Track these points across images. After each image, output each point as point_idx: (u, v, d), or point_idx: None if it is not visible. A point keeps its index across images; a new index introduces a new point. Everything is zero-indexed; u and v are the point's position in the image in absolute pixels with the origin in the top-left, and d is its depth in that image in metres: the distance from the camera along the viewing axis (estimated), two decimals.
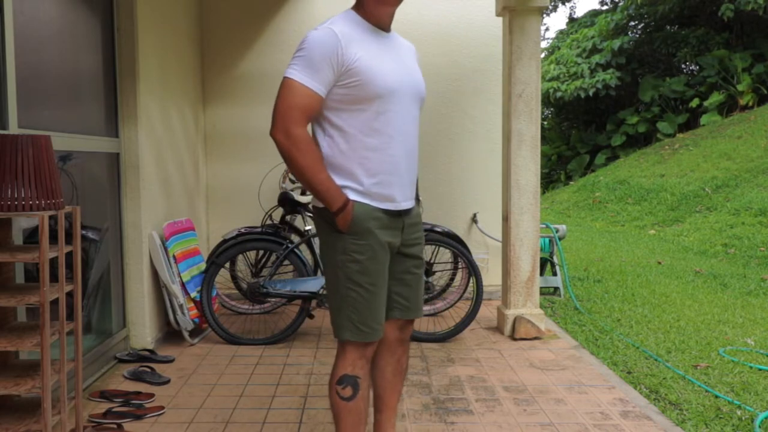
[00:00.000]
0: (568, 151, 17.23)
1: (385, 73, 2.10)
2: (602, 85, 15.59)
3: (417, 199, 2.36)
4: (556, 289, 5.57)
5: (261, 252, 4.57)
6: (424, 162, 5.36)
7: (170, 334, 4.20)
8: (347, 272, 2.12)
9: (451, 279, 4.95)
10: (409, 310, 2.32)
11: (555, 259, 5.59)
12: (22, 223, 2.78)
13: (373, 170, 2.11)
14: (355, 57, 2.06)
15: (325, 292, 4.14)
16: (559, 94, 16.18)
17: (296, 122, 2.03)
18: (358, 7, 2.19)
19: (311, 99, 2.05)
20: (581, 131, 17.28)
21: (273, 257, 4.49)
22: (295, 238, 4.38)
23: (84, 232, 3.42)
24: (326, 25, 2.10)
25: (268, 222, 4.52)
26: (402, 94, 2.14)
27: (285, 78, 2.06)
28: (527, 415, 2.99)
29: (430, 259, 4.74)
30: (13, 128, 2.66)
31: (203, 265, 4.47)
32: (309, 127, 2.11)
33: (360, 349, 2.18)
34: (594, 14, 19.23)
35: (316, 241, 4.37)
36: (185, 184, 4.74)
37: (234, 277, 4.76)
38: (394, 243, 2.21)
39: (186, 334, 4.09)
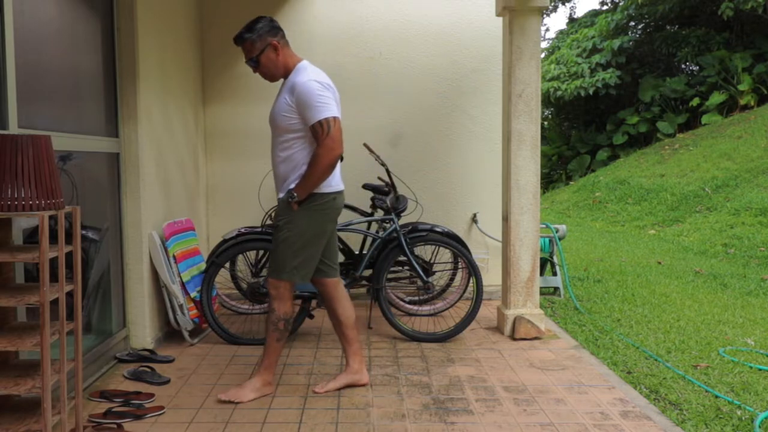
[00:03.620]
0: (568, 151, 17.23)
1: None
2: (602, 84, 15.59)
3: (284, 194, 3.15)
4: (556, 289, 5.57)
5: (261, 252, 4.57)
6: (424, 162, 5.36)
7: (170, 334, 4.20)
8: None
9: (451, 279, 4.95)
10: None
11: (555, 259, 5.59)
12: (22, 223, 2.78)
13: None
14: None
15: None
16: (559, 93, 16.18)
17: None
18: None
19: None
20: (581, 131, 17.28)
21: None
22: None
23: (84, 232, 3.42)
24: None
25: (268, 222, 4.51)
26: (269, 125, 3.23)
27: None
28: (527, 415, 2.99)
29: (430, 259, 4.74)
30: (13, 128, 2.66)
31: (203, 265, 4.46)
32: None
33: None
34: (594, 14, 19.23)
35: None
36: (185, 183, 4.74)
37: (234, 277, 4.76)
38: None
39: (186, 334, 4.09)
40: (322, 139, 3.02)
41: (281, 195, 3.17)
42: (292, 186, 3.12)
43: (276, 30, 3.18)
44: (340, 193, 3.25)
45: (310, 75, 3.08)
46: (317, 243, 3.20)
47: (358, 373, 3.35)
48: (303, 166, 3.11)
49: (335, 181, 3.20)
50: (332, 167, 3.07)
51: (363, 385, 3.35)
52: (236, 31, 5.23)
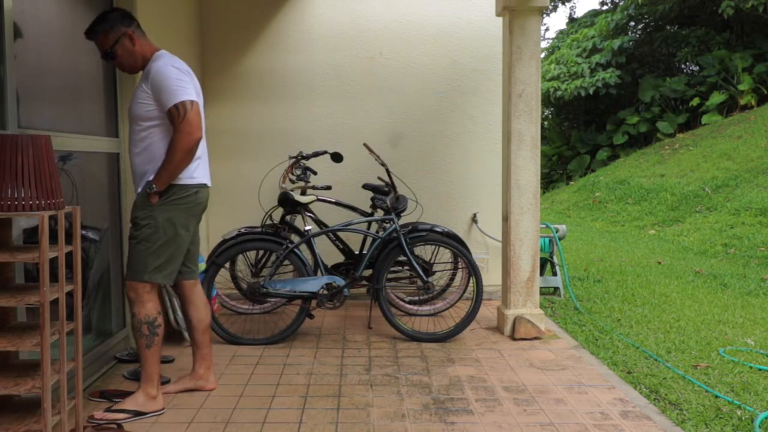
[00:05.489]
0: (568, 151, 17.24)
1: None
2: (602, 84, 15.59)
3: (142, 187, 2.98)
4: (556, 289, 5.57)
5: (261, 252, 4.57)
6: (423, 162, 5.36)
7: (170, 334, 4.19)
8: None
9: (451, 279, 4.95)
10: None
11: (555, 259, 5.59)
12: (22, 223, 2.78)
13: None
14: None
15: (325, 292, 4.14)
16: (559, 93, 16.18)
17: None
18: None
19: None
20: (581, 131, 17.28)
21: (273, 257, 4.49)
22: (295, 238, 4.38)
23: (84, 232, 3.42)
24: None
25: (268, 222, 4.51)
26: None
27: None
28: (527, 415, 2.99)
29: (430, 259, 4.74)
30: (13, 128, 2.66)
31: (203, 265, 4.46)
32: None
33: None
34: (594, 14, 19.24)
35: (315, 241, 4.37)
36: None
37: (234, 277, 4.76)
38: None
39: (186, 334, 4.09)
40: (177, 123, 2.86)
41: (139, 189, 2.99)
42: (151, 177, 2.94)
43: (129, 19, 3.00)
44: (203, 186, 3.10)
45: (167, 61, 2.96)
46: (180, 241, 3.02)
47: (202, 378, 3.26)
48: (162, 158, 2.95)
49: (199, 173, 3.06)
50: (190, 153, 2.91)
51: (209, 390, 3.27)
52: (236, 31, 5.30)
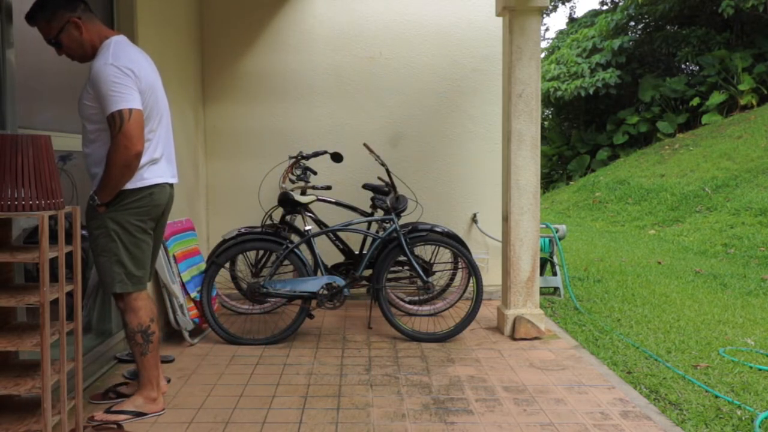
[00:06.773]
0: (568, 151, 17.24)
1: None
2: (602, 83, 15.59)
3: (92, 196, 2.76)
4: (556, 289, 5.57)
5: (261, 252, 4.57)
6: (424, 162, 5.36)
7: (170, 334, 4.20)
8: None
9: (451, 279, 4.95)
10: None
11: (555, 259, 5.59)
12: (22, 223, 2.78)
13: None
14: None
15: (325, 292, 4.14)
16: (559, 93, 16.18)
17: None
18: None
19: None
20: (581, 131, 17.28)
21: (273, 257, 4.50)
22: (295, 238, 4.38)
23: (84, 232, 3.42)
24: None
25: (268, 222, 4.52)
26: None
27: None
28: (527, 415, 2.98)
29: (430, 259, 4.74)
30: (13, 128, 2.66)
31: (203, 265, 4.46)
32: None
33: None
34: (594, 14, 19.24)
35: (315, 241, 4.37)
36: (185, 183, 4.73)
37: (234, 277, 4.76)
38: None
39: (186, 334, 4.09)
40: (114, 134, 2.60)
41: (91, 192, 2.78)
42: (97, 184, 2.73)
43: (74, 3, 2.68)
44: (159, 186, 2.84)
45: (108, 57, 2.61)
46: (140, 245, 2.83)
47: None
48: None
49: (151, 174, 2.80)
50: (129, 168, 2.65)
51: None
52: (236, 31, 5.30)
